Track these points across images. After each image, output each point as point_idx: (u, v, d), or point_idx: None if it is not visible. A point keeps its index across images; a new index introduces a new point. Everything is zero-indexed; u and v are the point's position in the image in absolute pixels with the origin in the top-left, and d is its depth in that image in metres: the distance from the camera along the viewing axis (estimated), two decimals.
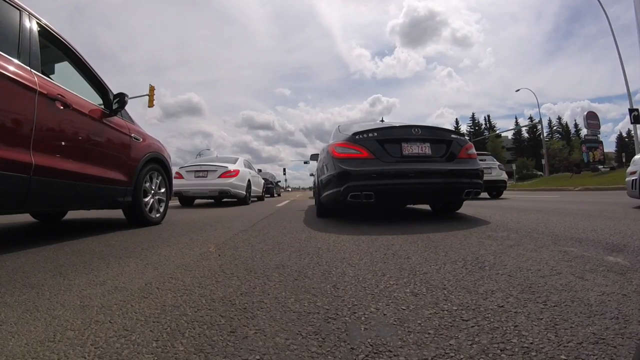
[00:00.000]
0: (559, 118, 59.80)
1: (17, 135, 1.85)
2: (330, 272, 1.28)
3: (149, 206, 3.24)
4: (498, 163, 8.23)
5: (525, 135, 60.24)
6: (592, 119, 26.60)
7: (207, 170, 7.22)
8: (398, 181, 2.86)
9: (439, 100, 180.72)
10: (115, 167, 2.78)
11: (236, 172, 7.32)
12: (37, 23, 2.21)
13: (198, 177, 7.21)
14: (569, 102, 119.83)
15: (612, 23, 16.46)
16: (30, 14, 2.16)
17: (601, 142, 26.50)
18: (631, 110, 15.65)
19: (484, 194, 8.39)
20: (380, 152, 2.99)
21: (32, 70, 2.02)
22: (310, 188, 18.78)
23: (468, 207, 4.63)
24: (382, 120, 4.98)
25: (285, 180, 51.05)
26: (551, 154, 52.23)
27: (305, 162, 43.24)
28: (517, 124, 60.58)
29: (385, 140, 3.04)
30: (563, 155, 53.27)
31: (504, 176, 8.21)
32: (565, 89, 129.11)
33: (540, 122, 32.85)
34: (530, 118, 59.19)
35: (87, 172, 2.42)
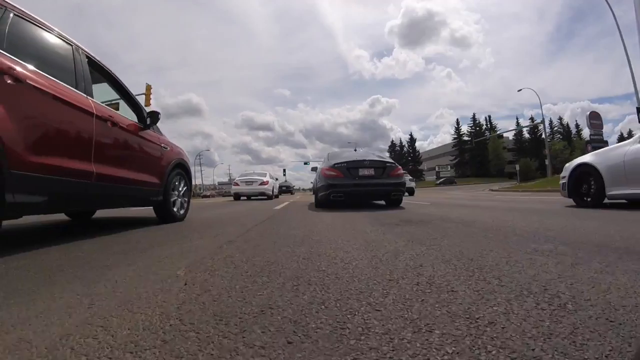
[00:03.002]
0: (560, 118, 59.23)
1: (83, 150, 2.36)
2: (344, 324, 0.81)
3: (175, 204, 3.78)
4: (409, 177, 13.59)
5: (527, 135, 59.63)
6: (594, 119, 26.06)
7: (252, 181, 13.30)
8: (356, 189, 5.34)
9: (439, 101, 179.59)
10: (151, 172, 3.30)
11: (267, 182, 13.32)
12: (85, 55, 2.63)
13: (247, 184, 13.28)
14: (569, 102, 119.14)
15: (614, 23, 16.02)
16: (78, 47, 2.56)
17: (606, 142, 26.00)
18: (639, 109, 15.22)
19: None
20: (347, 174, 5.37)
21: (88, 97, 2.46)
22: (310, 189, 28.56)
23: (471, 209, 4.20)
24: (355, 150, 7.92)
25: (285, 181, 51.62)
26: (553, 154, 51.67)
27: (306, 163, 43.31)
28: (517, 124, 59.90)
29: (350, 167, 5.44)
30: (565, 155, 52.73)
31: (412, 184, 15.12)
32: (566, 90, 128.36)
33: (542, 122, 32.15)
34: (532, 119, 58.53)
35: (131, 177, 2.95)
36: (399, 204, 5.73)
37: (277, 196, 15.72)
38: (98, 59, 2.82)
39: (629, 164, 3.90)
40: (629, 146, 4.05)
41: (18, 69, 1.86)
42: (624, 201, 4.43)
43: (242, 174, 15.33)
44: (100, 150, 2.50)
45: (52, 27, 2.38)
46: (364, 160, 5.54)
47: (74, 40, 2.55)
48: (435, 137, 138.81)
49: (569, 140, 55.18)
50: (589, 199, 4.42)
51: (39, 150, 1.93)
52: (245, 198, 13.55)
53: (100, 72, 2.90)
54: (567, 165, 4.94)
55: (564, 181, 4.83)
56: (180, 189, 3.93)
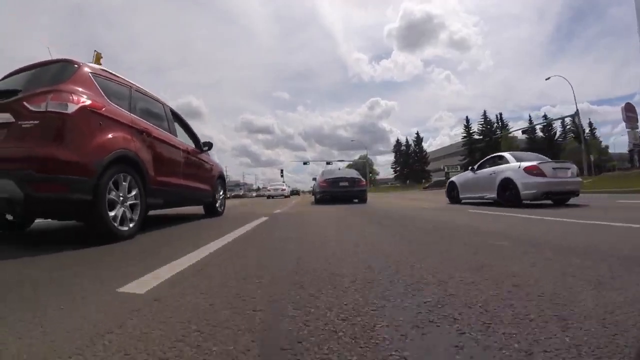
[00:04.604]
0: (573, 117, 57.75)
1: (177, 171, 3.90)
2: None
3: (217, 204, 5.51)
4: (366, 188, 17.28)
5: (540, 134, 58.25)
6: (630, 111, 23.28)
7: (277, 188, 28.13)
8: (337, 193, 9.69)
9: (438, 103, 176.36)
10: (206, 183, 4.96)
11: (285, 189, 28.60)
12: (169, 108, 4.16)
13: (275, 190, 27.54)
14: (568, 104, 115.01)
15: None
16: (164, 103, 4.10)
17: None
18: None
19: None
20: (332, 185, 9.83)
21: (175, 137, 4.02)
22: (309, 191, 36.67)
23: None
24: (339, 169, 13.79)
25: (283, 182, 51.51)
26: (567, 154, 50.33)
27: (305, 163, 45.89)
28: (530, 121, 58.83)
29: (333, 181, 9.89)
30: (579, 156, 50.99)
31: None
32: (566, 91, 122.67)
33: (577, 114, 27.67)
34: (545, 116, 57.32)
35: (199, 186, 4.58)
36: (365, 202, 9.71)
37: (289, 196, 28.25)
38: (174, 109, 4.40)
39: (468, 182, 7.73)
40: (469, 173, 7.83)
41: (148, 127, 3.31)
42: (478, 200, 7.42)
43: (271, 184, 33.72)
44: (185, 170, 4.10)
45: (152, 93, 3.90)
46: (343, 177, 10.11)
47: (162, 100, 4.10)
48: (434, 139, 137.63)
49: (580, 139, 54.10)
50: (455, 199, 8.16)
51: (158, 173, 3.39)
52: (271, 197, 25.50)
53: (175, 117, 4.40)
54: (448, 180, 8.91)
55: (444, 189, 9.06)
56: (221, 193, 5.76)
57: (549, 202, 6.32)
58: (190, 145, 4.58)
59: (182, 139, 4.35)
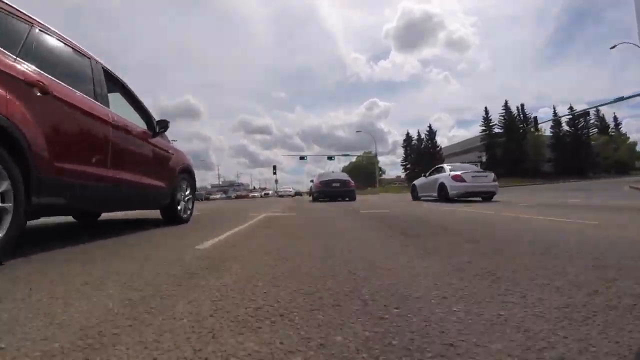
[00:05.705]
0: (597, 110, 52.46)
1: (100, 156, 2.54)
2: None
3: (180, 208, 3.93)
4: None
5: (566, 128, 53.04)
6: None
7: (286, 189, 46.60)
8: (330, 193, 12.44)
9: (437, 104, 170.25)
10: (160, 177, 3.48)
11: (291, 190, 46.20)
12: (101, 67, 2.83)
13: (284, 191, 44.72)
14: (566, 104, 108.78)
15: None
16: (96, 60, 2.77)
17: None
18: None
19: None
20: (326, 186, 12.62)
21: (104, 107, 2.67)
22: (307, 192, 36.55)
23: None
24: (333, 172, 18.35)
25: (276, 181, 53.89)
26: (595, 151, 46.55)
27: (301, 158, 44.68)
28: (555, 114, 54.12)
29: (327, 182, 12.72)
30: (608, 151, 47.19)
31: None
32: (566, 92, 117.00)
33: None
34: (570, 107, 51.96)
35: (143, 181, 3.14)
36: (354, 200, 11.72)
37: (294, 196, 37.46)
38: (111, 70, 3.05)
39: (422, 184, 10.52)
40: (423, 178, 10.60)
41: (46, 82, 2.05)
42: (429, 198, 9.81)
43: (281, 188, 48.41)
44: (115, 156, 2.70)
45: (72, 40, 2.57)
46: (336, 179, 12.63)
47: (91, 53, 2.76)
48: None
49: (605, 134, 50.16)
50: (416, 197, 10.84)
51: (61, 155, 2.12)
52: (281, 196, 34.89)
53: (114, 83, 3.11)
54: (412, 183, 11.90)
55: (410, 190, 12.29)
56: (187, 193, 4.15)
57: (479, 198, 8.71)
58: (138, 123, 3.27)
59: (127, 115, 3.07)
